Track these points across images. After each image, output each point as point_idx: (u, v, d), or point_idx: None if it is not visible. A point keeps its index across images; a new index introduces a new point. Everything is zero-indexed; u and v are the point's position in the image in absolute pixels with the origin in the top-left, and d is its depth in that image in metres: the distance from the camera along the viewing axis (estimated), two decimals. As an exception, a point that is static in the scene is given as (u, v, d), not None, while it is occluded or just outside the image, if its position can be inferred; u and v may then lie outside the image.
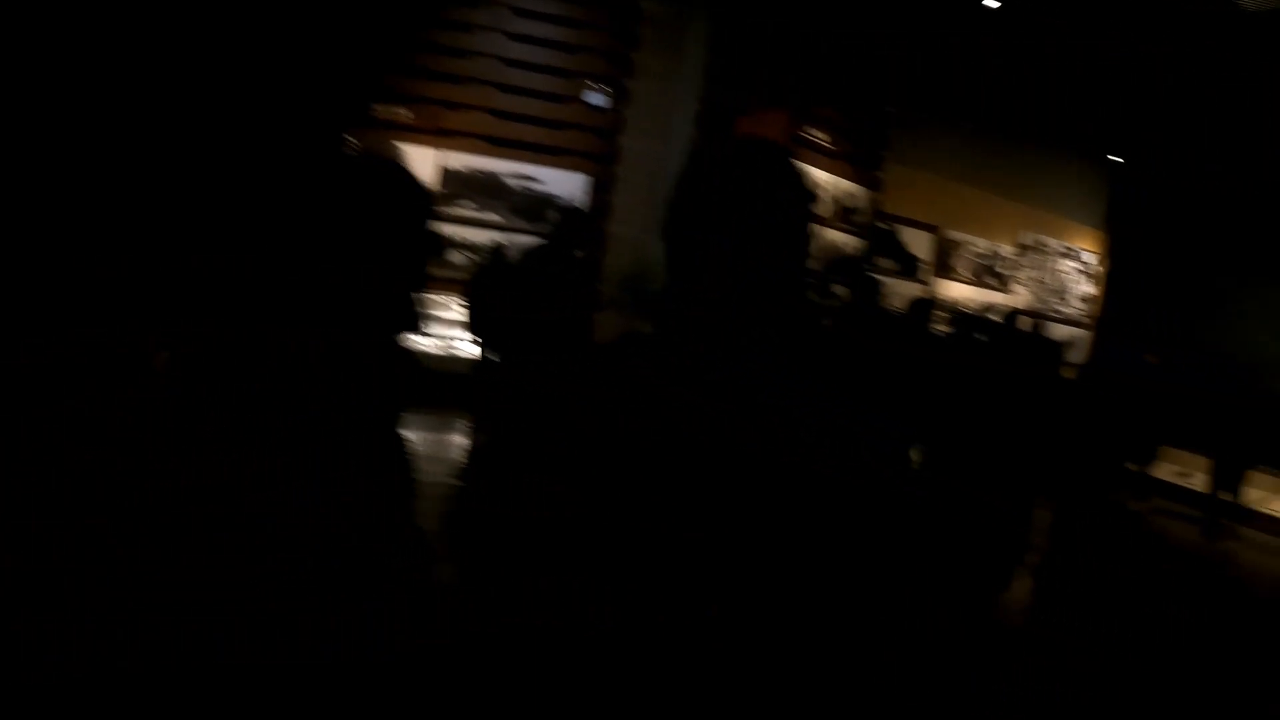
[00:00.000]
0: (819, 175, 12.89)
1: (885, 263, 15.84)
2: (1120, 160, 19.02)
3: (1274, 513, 13.52)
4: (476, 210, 11.82)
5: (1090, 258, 20.21)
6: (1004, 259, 18.37)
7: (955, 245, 17.33)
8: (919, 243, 16.60)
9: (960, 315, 12.59)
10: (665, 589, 1.92)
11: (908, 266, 16.32)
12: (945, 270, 17.16)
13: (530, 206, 12.01)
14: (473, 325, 7.75)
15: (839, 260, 13.47)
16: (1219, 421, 13.04)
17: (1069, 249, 19.82)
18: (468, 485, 2.32)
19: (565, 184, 12.16)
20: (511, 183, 11.97)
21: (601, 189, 12.26)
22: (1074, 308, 20.01)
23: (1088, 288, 20.25)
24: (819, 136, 12.84)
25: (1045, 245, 19.29)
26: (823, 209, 13.03)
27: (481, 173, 11.81)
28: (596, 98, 12.27)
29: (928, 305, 12.01)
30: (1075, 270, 20.01)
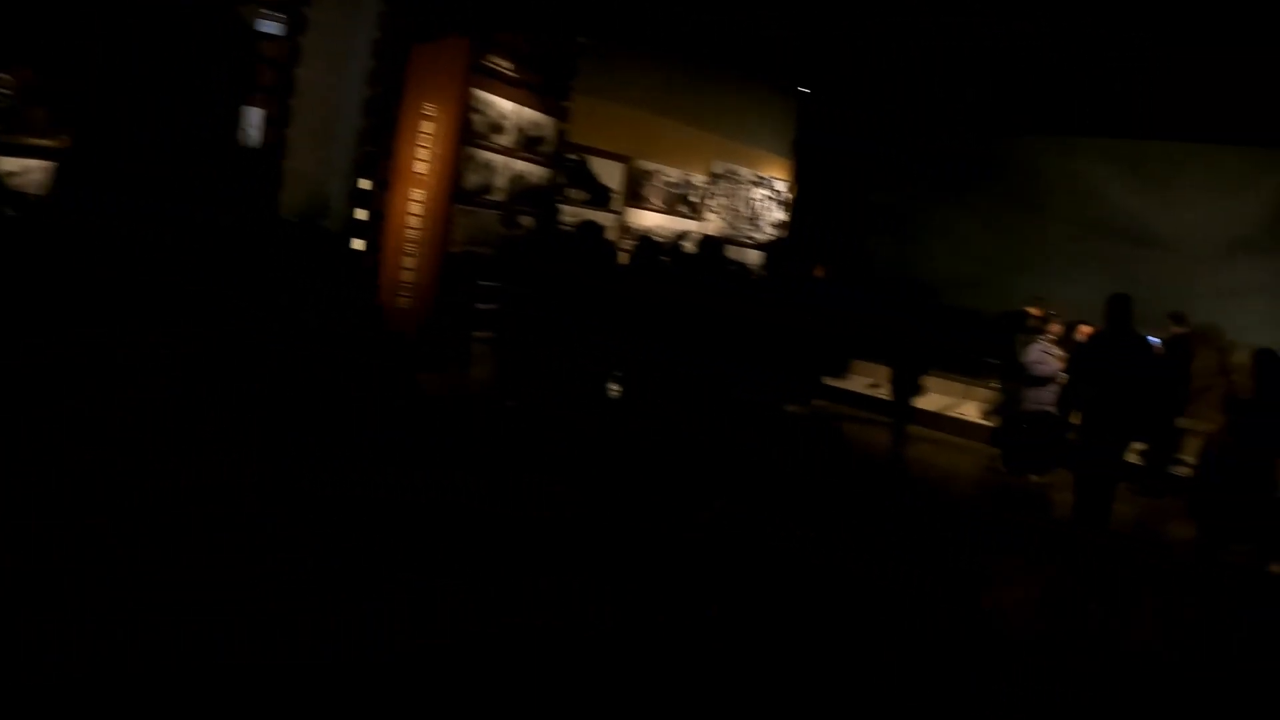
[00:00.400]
0: (503, 105, 12.95)
1: (577, 193, 16.13)
2: (807, 91, 19.82)
3: (961, 416, 14.61)
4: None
5: (781, 185, 21.05)
6: (696, 188, 18.94)
7: (647, 175, 17.75)
8: (611, 173, 16.93)
9: (649, 241, 13.01)
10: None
11: (599, 197, 16.65)
12: (638, 200, 17.58)
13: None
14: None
15: (526, 191, 13.64)
16: (896, 336, 13.98)
17: (760, 177, 20.60)
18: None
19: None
20: (182, 116, 11.55)
21: (276, 124, 12.02)
22: (766, 233, 20.84)
23: (780, 214, 21.10)
24: (502, 65, 12.86)
25: (737, 174, 19.97)
26: (507, 139, 13.13)
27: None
28: (270, 26, 11.97)
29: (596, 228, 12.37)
30: (766, 198, 20.82)
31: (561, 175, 15.25)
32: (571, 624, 5.43)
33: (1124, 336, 8.60)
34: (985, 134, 17.72)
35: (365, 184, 11.29)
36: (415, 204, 11.40)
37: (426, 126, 11.37)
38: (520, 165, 13.51)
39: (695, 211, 18.93)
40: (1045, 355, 11.30)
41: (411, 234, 11.41)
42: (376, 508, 6.27)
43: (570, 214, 15.76)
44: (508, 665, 4.74)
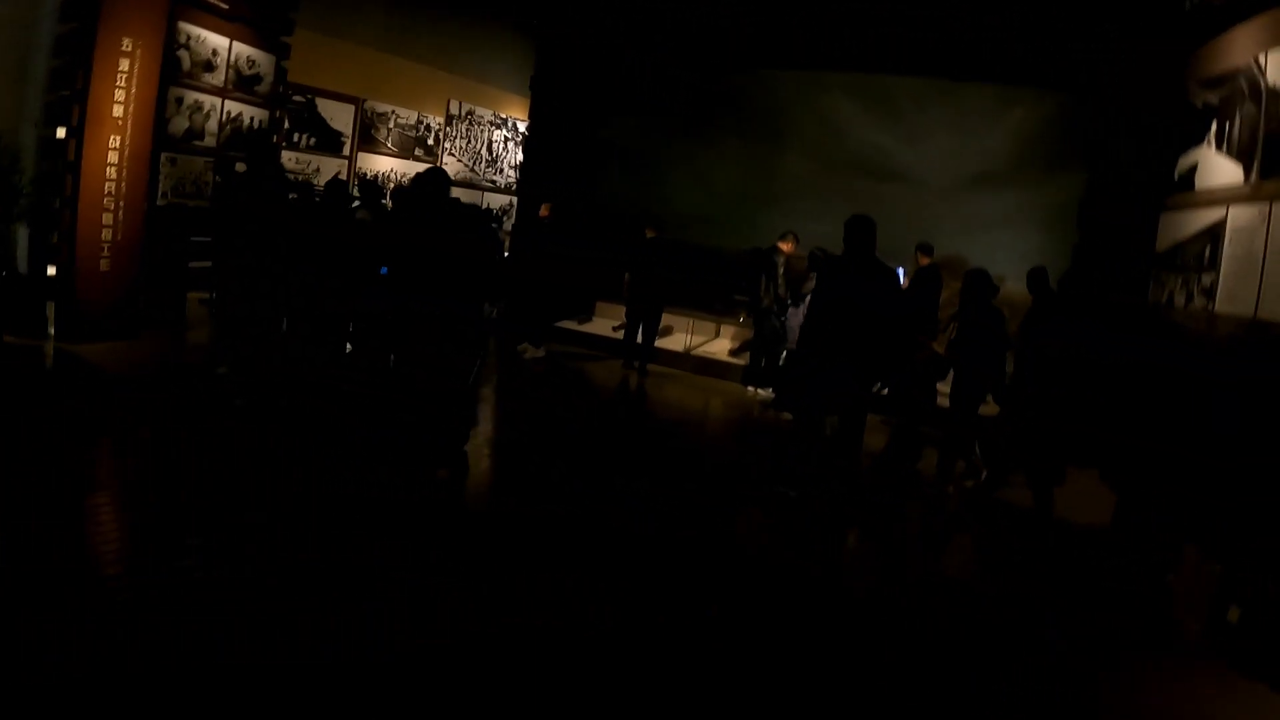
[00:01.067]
0: (215, 39, 11.79)
1: (304, 138, 15.05)
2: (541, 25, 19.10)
3: (708, 354, 14.38)
4: None
5: (524, 126, 20.34)
6: (433, 130, 18.04)
7: (381, 117, 16.76)
8: (341, 116, 15.88)
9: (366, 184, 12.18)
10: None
11: (328, 140, 15.60)
12: (371, 143, 16.58)
13: None
14: None
15: (241, 135, 12.52)
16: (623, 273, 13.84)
17: (501, 118, 19.83)
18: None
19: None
20: None
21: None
22: (508, 176, 20.13)
23: (519, 156, 20.41)
24: (213, -4, 11.72)
25: (477, 115, 19.15)
26: (219, 77, 11.97)
27: None
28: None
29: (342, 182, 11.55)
30: (508, 139, 20.08)
31: (285, 117, 14.16)
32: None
33: (865, 262, 8.23)
34: (725, 68, 17.36)
35: (61, 133, 10.07)
36: (113, 153, 10.20)
37: (124, 65, 10.16)
38: (235, 107, 12.37)
39: (432, 155, 18.04)
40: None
41: (110, 186, 10.21)
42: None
43: (297, 160, 14.73)
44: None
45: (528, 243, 14.38)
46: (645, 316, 13.30)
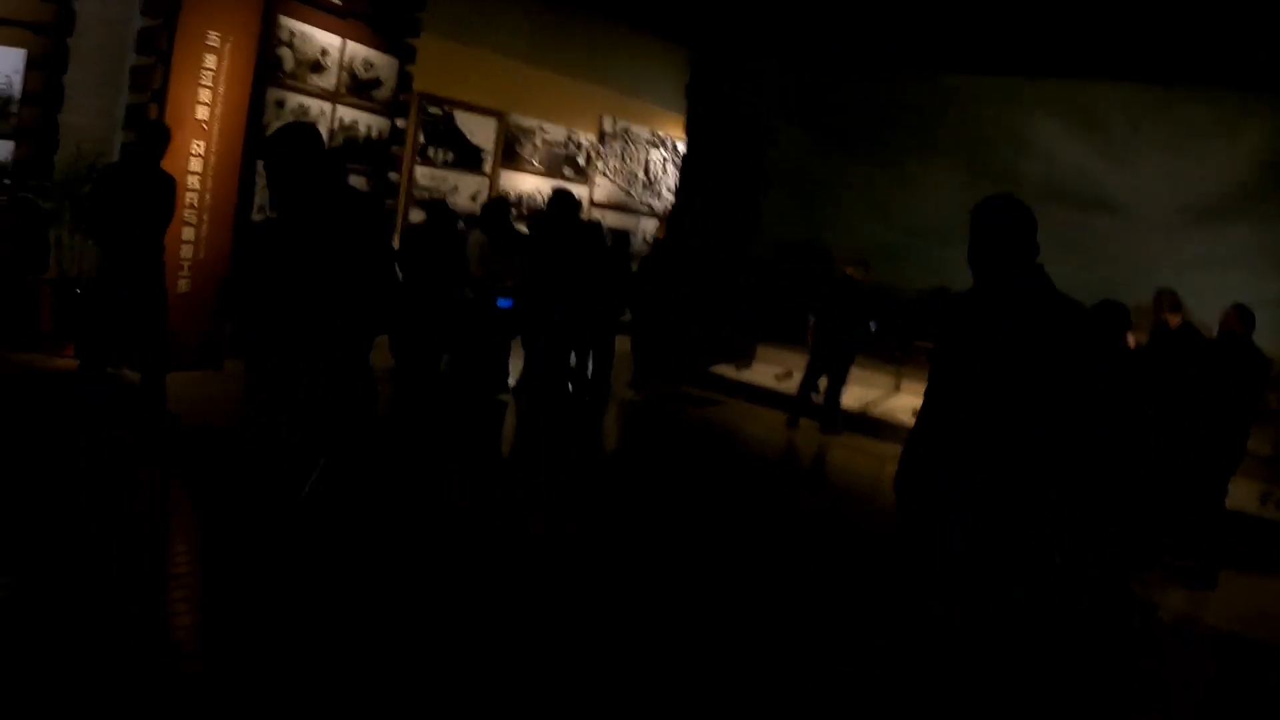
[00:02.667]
0: (324, 37, 10.57)
1: (440, 153, 13.82)
2: (699, 39, 17.52)
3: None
4: None
5: (683, 146, 18.82)
6: (584, 147, 16.66)
7: (526, 132, 15.44)
8: (482, 130, 14.61)
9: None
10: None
11: (467, 156, 14.33)
12: (514, 160, 15.27)
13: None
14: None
15: (356, 145, 11.28)
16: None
17: (659, 137, 18.34)
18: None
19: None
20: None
21: (48, 66, 9.62)
22: (665, 200, 18.62)
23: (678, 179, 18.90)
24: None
25: (632, 133, 17.71)
26: (330, 80, 10.74)
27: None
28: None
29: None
30: (666, 160, 18.58)
31: (420, 128, 12.95)
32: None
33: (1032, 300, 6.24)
34: (905, 78, 15.48)
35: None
36: (196, 159, 9.02)
37: (210, 61, 8.99)
38: (349, 113, 11.13)
39: (583, 175, 16.64)
40: None
41: (192, 197, 9.03)
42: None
43: (432, 176, 13.50)
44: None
45: (657, 271, 12.73)
46: (834, 367, 11.40)
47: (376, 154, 11.53)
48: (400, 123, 12.16)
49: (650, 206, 18.19)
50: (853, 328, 10.98)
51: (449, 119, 13.96)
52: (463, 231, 10.21)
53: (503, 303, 9.43)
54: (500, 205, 9.72)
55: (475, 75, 14.27)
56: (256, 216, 9.89)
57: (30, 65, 9.56)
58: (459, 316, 9.48)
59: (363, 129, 11.33)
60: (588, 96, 16.60)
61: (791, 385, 12.65)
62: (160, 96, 8.78)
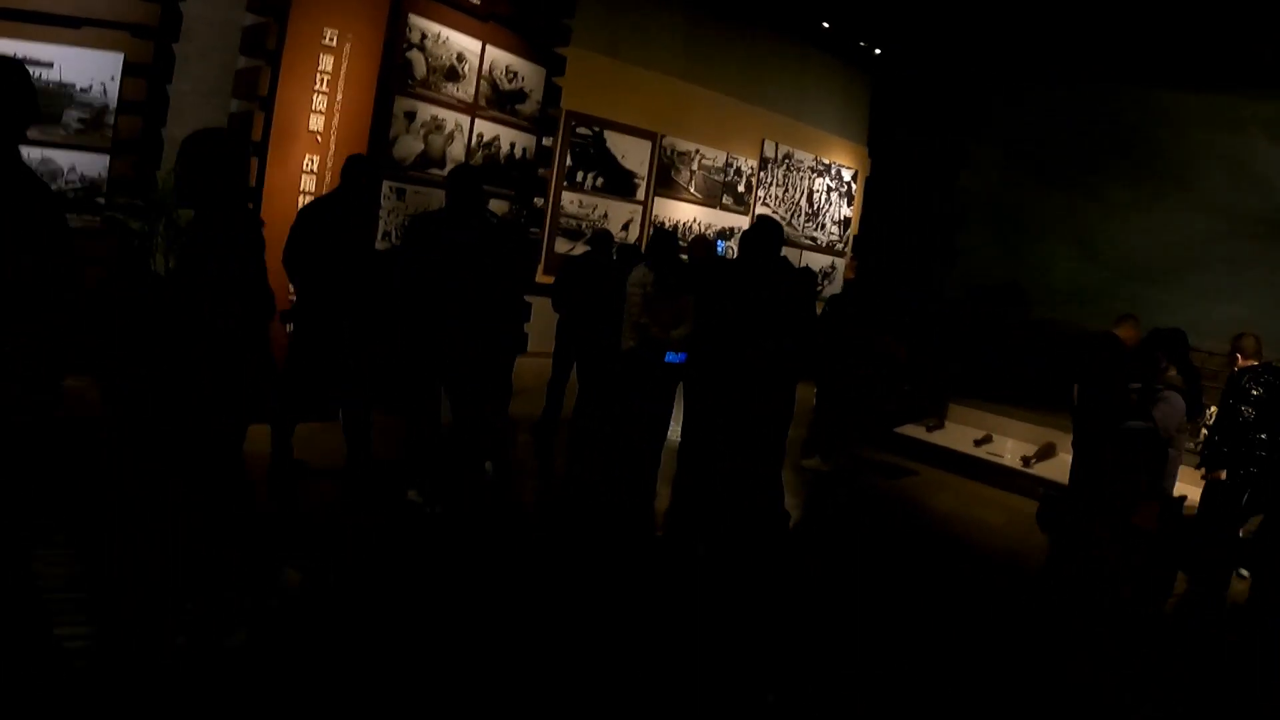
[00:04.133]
0: (461, 40, 9.06)
1: (588, 176, 12.26)
2: (879, 52, 15.67)
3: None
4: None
5: (849, 175, 17.00)
6: (744, 174, 14.94)
7: (682, 157, 13.80)
8: (635, 153, 13.00)
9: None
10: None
11: (618, 181, 12.73)
12: (669, 186, 13.62)
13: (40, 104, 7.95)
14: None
15: (498, 165, 9.72)
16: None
17: (823, 164, 16.53)
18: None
19: (94, 68, 8.14)
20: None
21: (149, 72, 8.32)
22: (829, 233, 16.79)
23: (846, 209, 17.05)
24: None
25: (795, 159, 15.93)
26: (468, 89, 9.23)
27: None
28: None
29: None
30: (830, 189, 16.75)
31: (566, 152, 11.40)
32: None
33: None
34: (1110, 95, 13.41)
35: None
36: (309, 177, 7.55)
37: (325, 63, 7.52)
38: (489, 128, 9.58)
39: (743, 203, 14.93)
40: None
41: (303, 221, 7.58)
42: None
43: (579, 203, 11.94)
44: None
45: (849, 318, 10.79)
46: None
47: (520, 175, 9.97)
48: (547, 141, 10.59)
49: (814, 240, 16.38)
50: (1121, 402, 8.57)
51: (599, 140, 12.41)
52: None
53: (671, 357, 7.71)
54: (670, 238, 8.02)
55: (627, 93, 12.71)
56: (381, 245, 8.38)
57: (128, 71, 8.26)
58: (620, 368, 7.80)
59: (505, 146, 9.77)
60: (748, 118, 14.91)
61: (998, 454, 10.69)
62: (267, 103, 7.34)
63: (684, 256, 9.18)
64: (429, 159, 8.92)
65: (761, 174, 15.25)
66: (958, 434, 11.54)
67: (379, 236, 8.40)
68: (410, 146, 8.74)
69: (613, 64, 12.39)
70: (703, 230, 13.95)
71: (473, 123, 9.35)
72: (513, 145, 9.85)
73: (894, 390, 11.20)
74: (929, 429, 11.59)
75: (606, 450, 8.19)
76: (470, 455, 6.67)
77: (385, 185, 8.41)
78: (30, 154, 8.19)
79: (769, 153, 15.36)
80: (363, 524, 5.91)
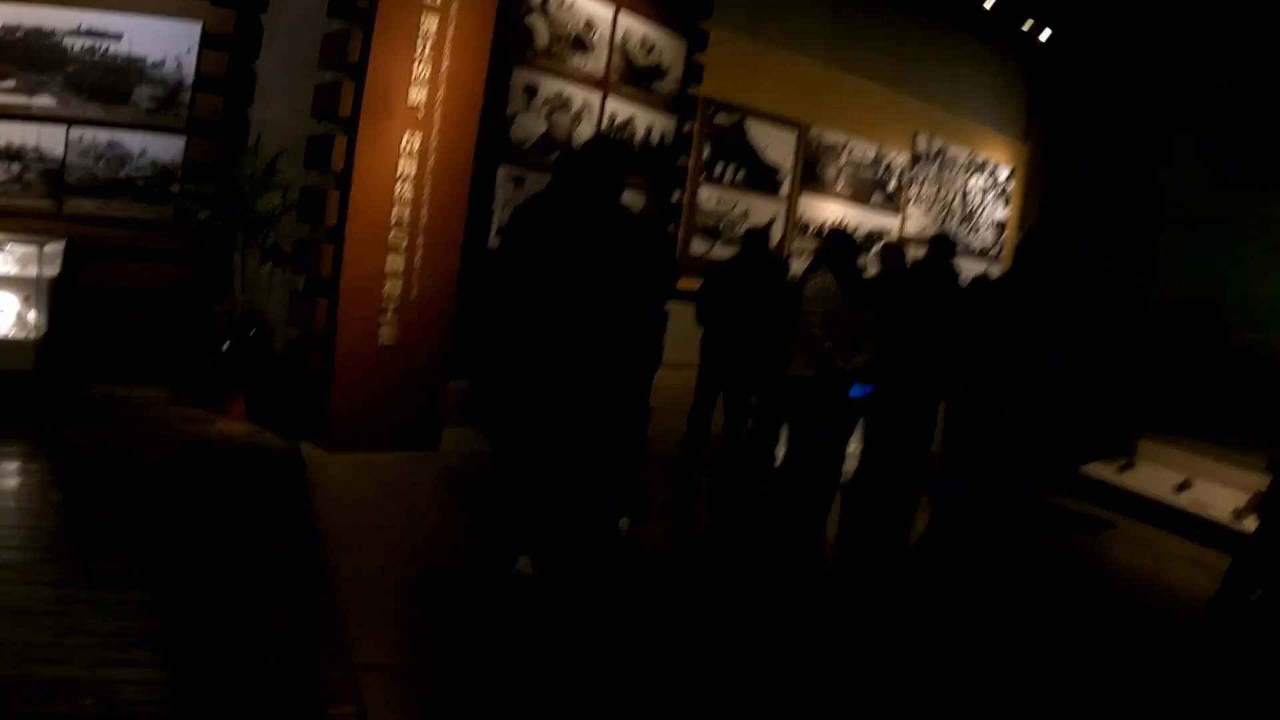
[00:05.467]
0: (590, 6, 7.67)
1: (727, 168, 10.78)
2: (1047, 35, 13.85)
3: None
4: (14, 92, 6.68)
5: (1004, 173, 15.24)
6: (895, 170, 13.32)
7: (830, 150, 12.24)
8: (778, 144, 11.49)
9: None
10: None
11: (759, 175, 11.23)
12: (815, 182, 12.07)
13: (106, 80, 6.86)
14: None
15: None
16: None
17: (979, 161, 14.81)
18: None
19: (163, 40, 6.98)
20: (71, 43, 6.78)
21: (236, 46, 7.15)
22: (983, 238, 15.05)
23: (1001, 211, 15.29)
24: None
25: (949, 154, 14.25)
26: (597, 62, 7.82)
27: (16, 29, 6.65)
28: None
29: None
30: (984, 189, 15.01)
31: (703, 137, 9.94)
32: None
33: None
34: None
35: (331, 129, 6.24)
36: (408, 160, 6.18)
37: (428, 24, 6.14)
38: (622, 108, 8.16)
39: (893, 202, 13.31)
40: None
41: (400, 213, 6.19)
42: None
43: (717, 199, 10.48)
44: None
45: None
46: None
47: (657, 164, 8.54)
48: (687, 126, 9.14)
49: (967, 245, 14.65)
50: None
51: (739, 129, 10.92)
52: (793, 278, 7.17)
53: (857, 390, 6.22)
54: (853, 241, 6.49)
55: (769, 77, 11.21)
56: (495, 243, 7.01)
57: (206, 43, 7.06)
58: (791, 402, 6.31)
59: (640, 129, 8.35)
60: (899, 108, 13.28)
61: (1203, 503, 8.81)
62: (358, 71, 5.99)
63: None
64: (552, 141, 7.53)
65: (914, 171, 13.60)
66: (1152, 476, 9.61)
67: (493, 232, 7.04)
68: (531, 127, 7.37)
69: (753, 45, 10.91)
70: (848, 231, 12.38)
71: (604, 101, 7.95)
72: (649, 129, 8.42)
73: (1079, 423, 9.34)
74: (1118, 470, 9.69)
75: (767, 497, 6.70)
76: (601, 511, 5.14)
77: (502, 172, 7.05)
78: (97, 136, 7.09)
79: (921, 147, 13.71)
80: (454, 602, 4.51)
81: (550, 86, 7.45)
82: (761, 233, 7.60)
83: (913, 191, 13.64)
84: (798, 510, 6.49)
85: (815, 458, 6.42)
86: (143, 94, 7.03)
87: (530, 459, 4.61)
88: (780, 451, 6.99)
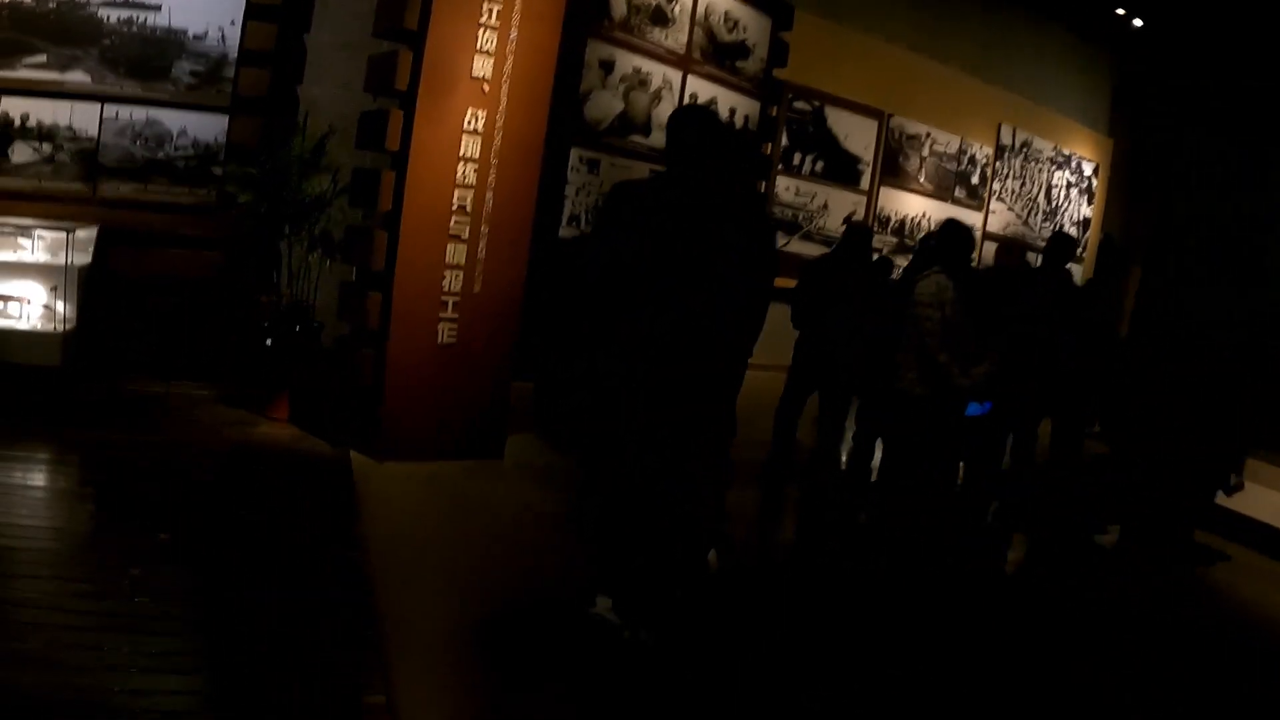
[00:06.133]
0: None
1: (808, 159, 10.05)
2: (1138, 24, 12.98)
3: None
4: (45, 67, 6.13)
5: (1088, 168, 14.37)
6: (979, 163, 12.52)
7: (912, 141, 11.46)
8: (858, 133, 10.74)
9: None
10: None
11: (839, 166, 10.49)
12: (896, 175, 11.30)
13: (144, 54, 6.30)
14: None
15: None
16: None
17: (1063, 154, 13.96)
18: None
19: (205, 11, 6.40)
20: (106, 14, 6.22)
21: (285, 18, 6.54)
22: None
23: (1085, 209, 14.43)
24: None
25: (1034, 147, 13.42)
26: (679, 37, 7.13)
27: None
28: None
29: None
30: (1069, 184, 14.16)
31: (781, 127, 9.22)
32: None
33: None
34: None
35: (386, 105, 5.58)
36: (471, 138, 5.50)
37: (495, -15, 5.48)
38: (704, 88, 7.45)
39: (976, 197, 12.51)
40: None
41: (462, 198, 5.51)
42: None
43: (795, 189, 9.77)
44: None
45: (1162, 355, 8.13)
46: None
47: (741, 151, 7.82)
48: (772, 110, 8.43)
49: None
50: None
51: (819, 116, 10.18)
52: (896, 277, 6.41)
53: (974, 409, 5.47)
54: (966, 235, 5.72)
55: (850, 63, 10.47)
56: (566, 233, 6.32)
57: (251, 14, 6.45)
58: (897, 418, 5.56)
59: (724, 111, 7.63)
60: (983, 98, 12.48)
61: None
62: (416, 39, 5.32)
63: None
64: (630, 123, 6.86)
65: (997, 164, 12.79)
66: (1265, 500, 8.64)
67: (564, 220, 6.36)
68: (607, 105, 6.70)
69: (834, 28, 10.17)
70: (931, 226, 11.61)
71: (684, 80, 7.28)
72: (732, 112, 7.71)
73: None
74: (1226, 492, 8.71)
75: (864, 514, 5.98)
76: (689, 544, 4.38)
77: (574, 155, 6.37)
78: (133, 114, 6.49)
79: (1006, 139, 12.89)
80: (523, 652, 3.81)
81: (627, 61, 6.76)
82: (863, 226, 6.85)
83: (996, 185, 12.83)
84: (897, 531, 5.76)
85: (923, 481, 5.66)
86: (183, 69, 6.45)
87: (603, 477, 3.90)
88: (877, 462, 6.28)
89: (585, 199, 6.50)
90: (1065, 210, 14.11)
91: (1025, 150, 13.26)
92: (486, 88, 5.50)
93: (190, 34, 6.41)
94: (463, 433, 5.71)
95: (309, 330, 6.06)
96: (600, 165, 6.65)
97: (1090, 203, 14.49)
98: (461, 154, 5.46)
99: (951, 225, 5.72)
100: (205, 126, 6.49)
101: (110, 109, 6.34)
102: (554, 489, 5.47)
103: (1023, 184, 13.28)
